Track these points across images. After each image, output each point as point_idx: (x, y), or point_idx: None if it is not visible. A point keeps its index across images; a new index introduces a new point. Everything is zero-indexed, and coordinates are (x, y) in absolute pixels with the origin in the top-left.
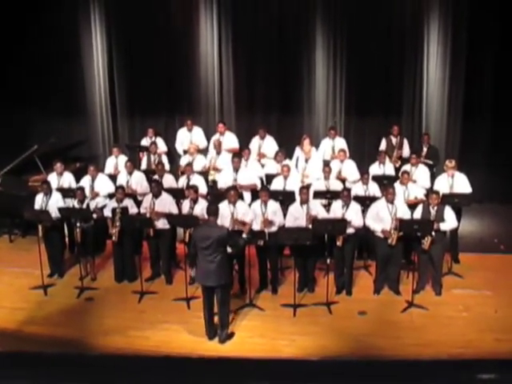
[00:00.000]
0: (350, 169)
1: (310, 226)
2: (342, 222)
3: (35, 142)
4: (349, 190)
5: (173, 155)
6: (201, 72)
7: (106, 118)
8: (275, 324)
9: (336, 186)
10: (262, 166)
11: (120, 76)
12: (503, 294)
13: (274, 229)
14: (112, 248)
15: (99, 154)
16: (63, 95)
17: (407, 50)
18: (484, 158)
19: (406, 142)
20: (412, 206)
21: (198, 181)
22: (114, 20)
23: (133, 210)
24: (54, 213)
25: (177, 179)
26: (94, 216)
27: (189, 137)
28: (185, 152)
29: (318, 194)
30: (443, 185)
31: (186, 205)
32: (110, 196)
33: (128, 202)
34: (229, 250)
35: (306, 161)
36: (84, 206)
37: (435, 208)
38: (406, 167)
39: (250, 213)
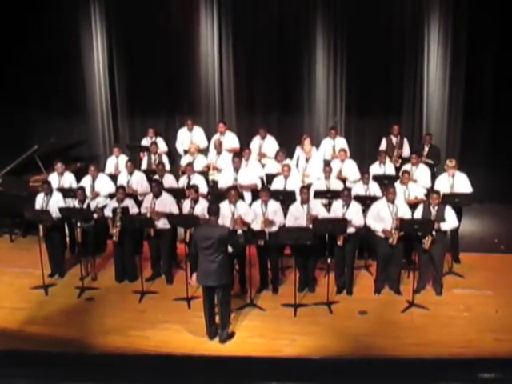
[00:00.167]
0: (351, 168)
1: (311, 226)
2: (343, 222)
3: (35, 142)
4: (349, 190)
5: (173, 155)
6: (201, 72)
7: (106, 117)
8: (276, 324)
9: (336, 185)
10: (263, 165)
11: (120, 76)
12: (504, 293)
13: (274, 228)
14: (112, 248)
15: (100, 154)
16: (63, 95)
17: (407, 49)
18: (484, 157)
19: (406, 142)
20: (412, 206)
21: (199, 181)
22: (115, 20)
23: (133, 209)
24: (55, 213)
25: (177, 179)
26: (95, 216)
27: (189, 137)
28: (185, 152)
29: (318, 194)
30: (444, 184)
31: (186, 205)
32: (111, 196)
33: (128, 202)
34: (229, 249)
35: (307, 160)
36: (85, 205)
37: (436, 208)
38: (407, 167)
39: (251, 213)
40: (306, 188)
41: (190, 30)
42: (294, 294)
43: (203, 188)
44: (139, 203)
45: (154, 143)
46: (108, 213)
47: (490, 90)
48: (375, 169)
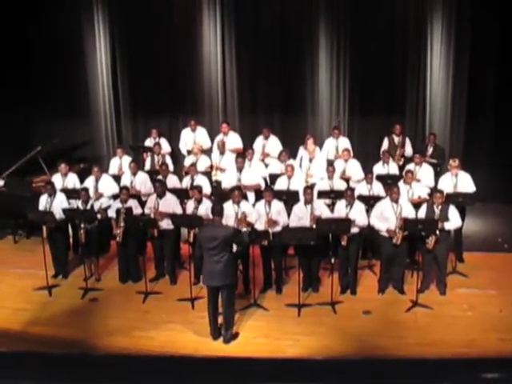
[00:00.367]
0: (354, 168)
1: (314, 226)
2: (346, 222)
3: (39, 142)
4: (352, 190)
5: (177, 156)
6: (204, 72)
7: (109, 118)
8: (279, 324)
9: (340, 185)
10: (266, 165)
11: (123, 76)
12: (508, 293)
13: (278, 229)
14: (116, 249)
15: (103, 155)
16: (67, 96)
17: (410, 49)
18: (487, 157)
19: (408, 141)
20: (416, 206)
21: (202, 181)
22: (118, 21)
23: (137, 210)
24: (58, 214)
25: (181, 179)
26: (99, 217)
27: (192, 137)
28: (188, 152)
29: (321, 194)
30: (447, 184)
31: (190, 205)
32: (114, 197)
33: (132, 203)
34: (234, 247)
35: (310, 160)
36: (88, 206)
37: (439, 207)
38: (410, 166)
39: (254, 213)
40: (309, 188)
41: (193, 30)
42: (297, 294)
43: (207, 188)
44: (143, 204)
45: (158, 144)
46: (111, 213)
47: (493, 89)
48: (378, 168)
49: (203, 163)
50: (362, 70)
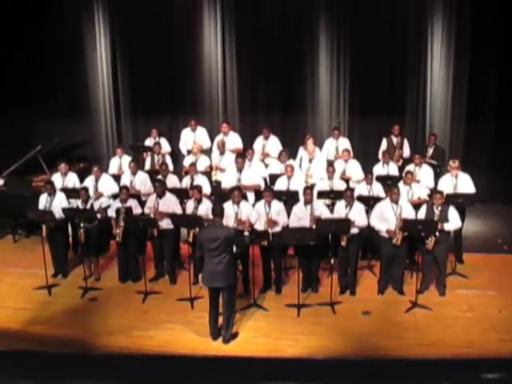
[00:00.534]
0: (354, 168)
1: (314, 227)
2: (346, 222)
3: (39, 142)
4: (352, 190)
5: (177, 155)
6: (204, 72)
7: (109, 118)
8: (279, 324)
9: (340, 185)
10: (266, 165)
11: (124, 76)
12: (507, 294)
13: (277, 229)
14: (116, 248)
15: (103, 155)
16: (67, 95)
17: (411, 50)
18: (487, 158)
19: (406, 142)
20: (416, 206)
21: (202, 181)
22: (118, 20)
23: (137, 210)
24: (58, 213)
25: (180, 179)
26: (98, 216)
27: (192, 137)
28: (188, 152)
29: (321, 194)
30: (447, 185)
31: (190, 205)
32: (114, 196)
33: (132, 203)
34: (234, 249)
35: (310, 161)
36: (88, 206)
37: (439, 208)
38: (410, 167)
39: (254, 213)
40: (309, 189)
41: (193, 30)
42: (297, 294)
43: (206, 188)
44: (142, 203)
45: (158, 143)
46: (111, 213)
47: (493, 90)
48: (378, 169)
49: (202, 163)
50: (362, 70)
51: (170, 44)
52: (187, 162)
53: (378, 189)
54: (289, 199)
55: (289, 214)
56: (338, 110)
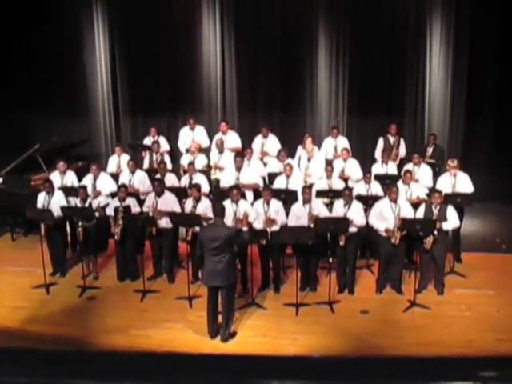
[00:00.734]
0: (353, 168)
1: (312, 226)
2: (344, 221)
3: (37, 140)
4: (350, 189)
5: (175, 154)
6: (203, 71)
7: (108, 116)
8: (277, 323)
9: (338, 185)
10: (265, 164)
11: (122, 75)
12: (505, 293)
13: (276, 228)
14: (114, 247)
15: (101, 153)
16: (65, 94)
17: (410, 49)
18: (486, 157)
19: (402, 142)
20: (414, 206)
21: (201, 179)
22: (117, 19)
23: (135, 208)
24: (57, 212)
25: (179, 178)
26: (97, 215)
27: (191, 136)
28: (187, 151)
29: (320, 193)
30: (445, 184)
31: (188, 204)
32: (113, 195)
33: (130, 201)
34: (234, 247)
35: (309, 160)
36: (86, 204)
37: (437, 207)
38: (409, 166)
39: (253, 212)
40: (308, 188)
41: (193, 28)
42: (295, 293)
43: (205, 187)
44: (141, 202)
45: (156, 142)
46: (110, 212)
47: (492, 89)
48: (377, 168)
49: (200, 162)
50: (362, 69)
51: (169, 43)
52: (184, 160)
53: (376, 188)
54: (287, 198)
55: (287, 213)
56: (336, 109)
